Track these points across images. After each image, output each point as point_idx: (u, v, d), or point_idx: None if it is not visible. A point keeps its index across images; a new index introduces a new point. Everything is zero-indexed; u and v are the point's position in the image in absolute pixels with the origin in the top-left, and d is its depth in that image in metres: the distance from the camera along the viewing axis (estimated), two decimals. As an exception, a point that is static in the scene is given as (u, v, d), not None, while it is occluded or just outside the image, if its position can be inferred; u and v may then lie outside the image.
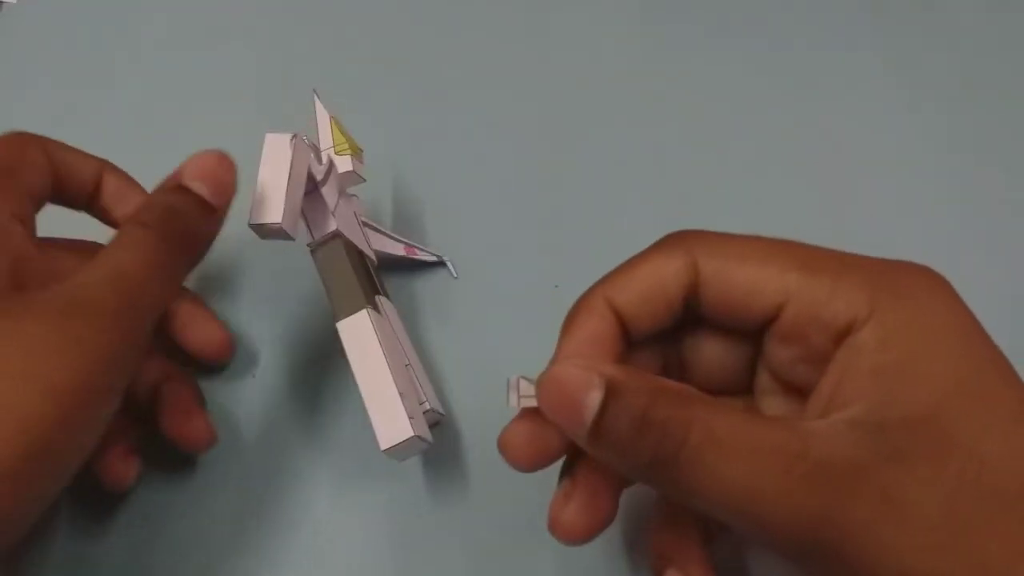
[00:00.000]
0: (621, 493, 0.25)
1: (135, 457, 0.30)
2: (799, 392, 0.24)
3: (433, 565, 0.31)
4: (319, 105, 0.33)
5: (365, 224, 0.34)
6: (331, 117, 0.33)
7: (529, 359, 0.35)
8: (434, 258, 0.36)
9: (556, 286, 0.37)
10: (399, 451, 0.27)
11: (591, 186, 0.40)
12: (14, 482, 0.22)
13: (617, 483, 0.25)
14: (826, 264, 0.23)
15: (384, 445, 0.27)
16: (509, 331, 0.35)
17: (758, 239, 0.24)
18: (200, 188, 0.28)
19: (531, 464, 0.25)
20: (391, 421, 0.27)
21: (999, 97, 0.43)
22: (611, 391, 0.21)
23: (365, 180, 0.33)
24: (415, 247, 0.36)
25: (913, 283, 0.23)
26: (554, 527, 0.24)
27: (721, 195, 0.39)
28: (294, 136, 0.29)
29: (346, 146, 0.32)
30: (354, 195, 0.35)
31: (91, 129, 0.39)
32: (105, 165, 0.31)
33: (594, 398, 0.21)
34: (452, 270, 0.36)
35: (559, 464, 0.25)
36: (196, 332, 0.33)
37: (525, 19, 0.45)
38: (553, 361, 0.24)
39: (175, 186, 0.28)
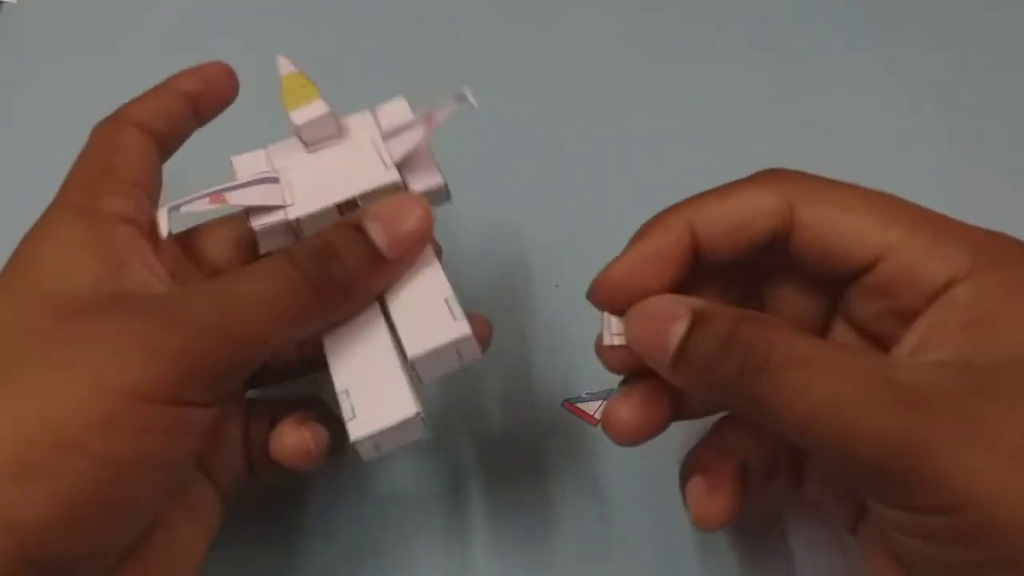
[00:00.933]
0: (674, 410, 0.26)
1: (316, 425, 0.26)
2: (880, 343, 0.24)
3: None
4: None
5: (387, 134, 0.28)
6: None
7: (530, 361, 0.35)
8: (453, 105, 0.27)
9: (556, 286, 0.37)
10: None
11: (591, 186, 0.40)
12: (52, 476, 0.20)
13: (673, 395, 0.25)
14: (929, 223, 0.23)
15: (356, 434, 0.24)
16: (509, 332, 0.35)
17: (858, 188, 0.24)
18: (377, 233, 0.24)
19: (636, 438, 0.25)
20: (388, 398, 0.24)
21: (999, 97, 0.43)
22: (698, 317, 0.22)
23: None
24: (434, 116, 0.27)
25: (1013, 250, 0.23)
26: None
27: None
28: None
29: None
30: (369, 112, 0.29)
31: (91, 129, 0.39)
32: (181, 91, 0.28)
33: (680, 325, 0.22)
34: (472, 99, 0.26)
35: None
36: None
37: (525, 19, 0.45)
38: (608, 267, 0.25)
39: (350, 223, 0.24)
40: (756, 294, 0.27)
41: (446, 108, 0.26)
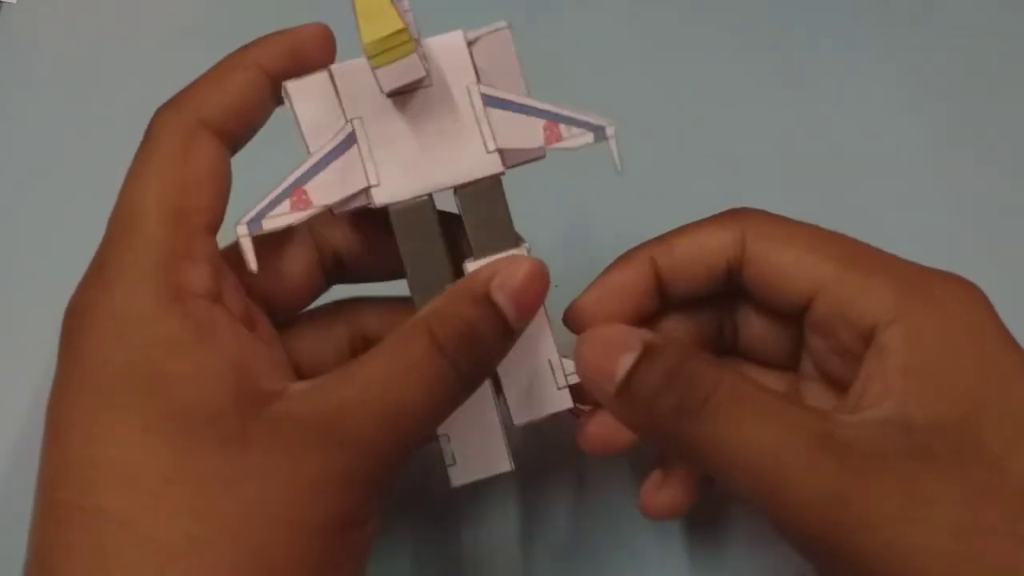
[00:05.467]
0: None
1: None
2: (836, 383, 0.24)
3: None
4: None
5: (489, 99, 0.24)
6: None
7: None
8: (588, 135, 0.25)
9: (556, 286, 0.37)
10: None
11: (590, 185, 0.40)
12: None
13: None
14: (862, 261, 0.23)
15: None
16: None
17: (810, 227, 0.24)
18: (507, 306, 0.22)
19: (603, 454, 0.26)
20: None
21: (999, 97, 0.43)
22: (648, 350, 0.22)
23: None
24: (559, 121, 0.25)
25: (945, 290, 0.22)
26: (646, 509, 0.26)
27: (720, 195, 0.39)
28: None
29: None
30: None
31: (91, 129, 0.39)
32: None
33: (630, 356, 0.22)
34: (615, 158, 0.25)
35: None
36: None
37: (525, 19, 0.45)
38: (579, 297, 0.26)
39: (482, 296, 0.22)
40: (732, 330, 0.27)
41: (579, 136, 0.24)
